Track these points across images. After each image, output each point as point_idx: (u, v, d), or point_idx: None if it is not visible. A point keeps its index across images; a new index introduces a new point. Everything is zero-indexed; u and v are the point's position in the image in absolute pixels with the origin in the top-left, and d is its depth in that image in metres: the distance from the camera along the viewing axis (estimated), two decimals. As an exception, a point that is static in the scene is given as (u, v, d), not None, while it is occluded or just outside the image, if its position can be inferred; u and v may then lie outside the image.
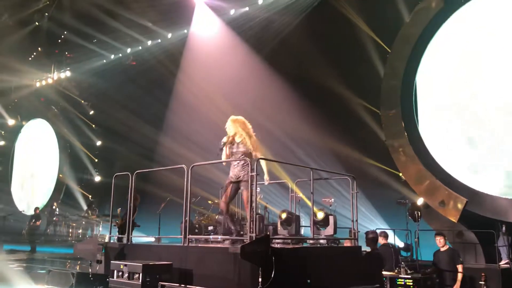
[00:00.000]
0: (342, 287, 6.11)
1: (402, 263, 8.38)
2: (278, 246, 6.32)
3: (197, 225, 8.76)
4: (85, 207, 20.74)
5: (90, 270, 6.99)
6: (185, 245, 6.21)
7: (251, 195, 5.68)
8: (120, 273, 5.76)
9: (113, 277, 5.86)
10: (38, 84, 24.07)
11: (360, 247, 7.00)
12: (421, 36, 11.96)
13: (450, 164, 11.32)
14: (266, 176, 6.43)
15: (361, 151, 12.96)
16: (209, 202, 9.98)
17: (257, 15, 15.49)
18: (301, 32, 14.09)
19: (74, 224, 19.88)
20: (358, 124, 13.04)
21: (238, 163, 6.37)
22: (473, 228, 10.62)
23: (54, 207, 20.56)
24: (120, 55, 20.27)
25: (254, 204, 5.71)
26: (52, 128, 24.52)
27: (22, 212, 22.48)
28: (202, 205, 9.95)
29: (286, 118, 13.93)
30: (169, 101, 17.40)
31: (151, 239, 9.10)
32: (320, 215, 6.94)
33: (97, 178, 22.12)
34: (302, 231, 7.91)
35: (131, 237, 7.23)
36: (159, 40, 18.62)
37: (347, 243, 7.79)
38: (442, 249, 8.64)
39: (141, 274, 5.43)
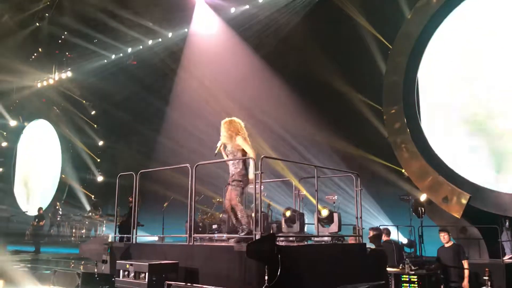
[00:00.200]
0: (348, 284, 6.13)
1: (407, 259, 8.38)
2: (283, 244, 6.34)
3: (201, 224, 8.78)
4: (88, 207, 20.78)
5: (96, 270, 7.01)
6: (190, 244, 6.23)
7: (256, 193, 5.69)
8: (126, 273, 5.77)
9: (119, 277, 5.87)
10: (39, 85, 24.11)
11: (365, 244, 7.01)
12: (422, 32, 11.96)
13: (453, 159, 11.32)
14: (251, 176, 6.31)
15: (363, 147, 12.97)
16: (213, 200, 10.00)
17: (257, 13, 15.47)
18: (302, 30, 14.09)
19: (77, 224, 19.92)
20: (360, 120, 13.04)
21: (233, 163, 6.39)
22: (476, 223, 10.62)
23: (57, 207, 20.60)
24: (121, 54, 20.28)
25: (258, 202, 5.71)
26: (54, 128, 24.56)
27: (25, 213, 22.51)
28: (205, 203, 9.96)
29: (288, 116, 13.93)
30: (170, 100, 17.42)
31: (154, 238, 9.12)
32: (325, 212, 6.95)
33: (100, 178, 22.15)
34: (306, 228, 7.90)
35: (136, 237, 7.24)
36: (160, 40, 18.62)
37: (351, 240, 7.80)
38: (446, 245, 8.63)
39: (147, 274, 5.44)
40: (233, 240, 6.15)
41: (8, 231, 18.17)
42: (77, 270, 8.29)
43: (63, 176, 23.35)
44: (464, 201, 10.67)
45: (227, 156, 6.55)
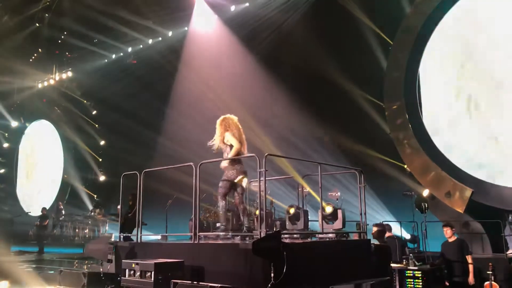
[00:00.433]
0: (353, 281, 6.15)
1: (411, 255, 8.39)
2: (287, 241, 6.35)
3: (204, 222, 8.80)
4: (90, 207, 20.82)
5: (101, 269, 7.03)
6: (195, 242, 6.24)
7: (260, 190, 5.71)
8: (132, 272, 5.78)
9: (125, 276, 5.88)
10: (40, 85, 24.12)
11: (369, 240, 7.02)
12: (423, 26, 11.95)
13: (455, 155, 11.34)
14: (222, 164, 6.48)
15: (365, 144, 12.96)
16: (214, 199, 9.99)
17: (257, 11, 15.46)
18: (302, 26, 14.07)
19: (80, 224, 19.95)
20: (362, 117, 13.04)
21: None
22: (479, 218, 10.64)
23: (60, 207, 20.64)
24: (121, 54, 20.28)
25: (262, 199, 5.73)
26: (56, 129, 24.58)
27: (28, 213, 22.56)
28: (208, 201, 9.96)
29: (290, 113, 13.93)
30: (172, 99, 17.42)
31: (158, 237, 9.13)
32: (329, 209, 6.96)
33: (102, 178, 22.17)
34: (309, 225, 7.91)
35: (141, 236, 7.26)
36: (160, 39, 18.62)
37: (355, 237, 7.81)
38: (450, 240, 8.64)
39: (153, 272, 5.45)
40: (237, 238, 6.18)
41: (11, 231, 18.20)
42: (83, 270, 8.31)
43: (65, 176, 23.38)
44: (466, 196, 10.69)
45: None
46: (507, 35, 10.73)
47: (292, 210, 7.18)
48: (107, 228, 18.56)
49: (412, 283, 7.85)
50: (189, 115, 16.05)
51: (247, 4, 15.85)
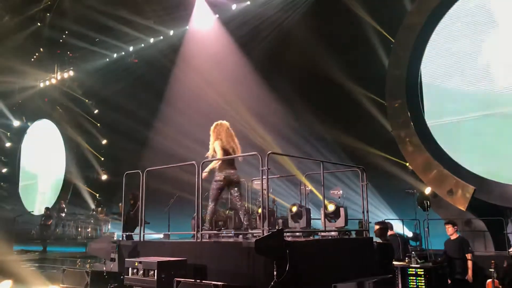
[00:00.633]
0: (355, 279, 6.15)
1: (413, 252, 8.40)
2: (290, 239, 6.37)
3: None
4: (93, 206, 20.86)
5: (104, 268, 7.04)
6: (198, 240, 6.26)
7: (262, 188, 5.74)
8: (135, 270, 5.79)
9: (128, 275, 5.90)
10: (42, 85, 24.16)
11: (372, 238, 7.03)
12: (425, 24, 11.92)
13: (458, 153, 11.33)
14: (206, 169, 6.57)
15: (367, 142, 12.95)
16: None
17: (259, 9, 15.46)
18: (303, 24, 14.06)
19: (82, 223, 20.00)
20: (364, 115, 13.03)
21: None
22: (482, 216, 10.63)
23: (62, 206, 20.69)
24: (123, 53, 20.30)
25: (265, 198, 5.74)
26: (58, 128, 24.62)
27: (31, 212, 22.61)
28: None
29: (291, 112, 13.93)
30: (173, 98, 17.42)
31: (160, 235, 9.15)
32: (331, 207, 6.97)
33: (104, 177, 22.21)
34: (311, 223, 7.92)
35: (143, 234, 7.28)
36: (161, 37, 18.63)
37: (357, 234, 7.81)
38: (452, 238, 8.65)
39: (156, 271, 5.47)
40: (240, 236, 6.19)
41: (14, 231, 18.26)
42: (86, 268, 8.33)
43: (67, 175, 23.43)
44: (469, 194, 10.67)
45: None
46: (510, 34, 10.71)
47: (294, 208, 7.20)
48: (109, 227, 18.61)
49: (415, 281, 7.84)
50: (191, 114, 16.06)
51: (248, 3, 15.84)
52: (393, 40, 12.54)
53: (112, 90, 19.89)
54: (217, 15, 16.85)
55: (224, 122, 6.90)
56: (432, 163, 11.43)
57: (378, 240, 7.94)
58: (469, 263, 8.21)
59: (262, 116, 14.34)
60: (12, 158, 26.97)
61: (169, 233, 8.38)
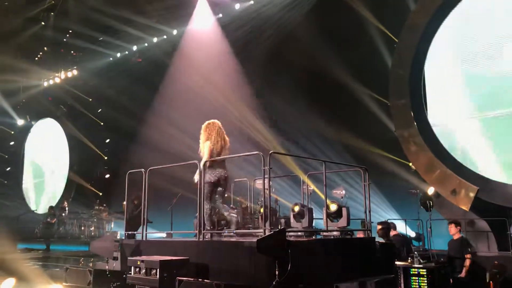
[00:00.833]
0: (357, 279, 6.15)
1: (415, 253, 8.39)
2: (292, 239, 6.36)
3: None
4: (96, 205, 20.90)
5: (107, 267, 7.07)
6: (200, 240, 6.27)
7: (264, 188, 5.74)
8: (138, 269, 5.81)
9: (130, 273, 5.92)
10: (45, 84, 24.24)
11: (374, 238, 7.02)
12: (429, 24, 11.88)
13: (461, 153, 11.30)
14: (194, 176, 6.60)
15: (370, 141, 12.93)
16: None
17: (262, 9, 15.45)
18: (306, 23, 14.03)
19: (85, 222, 20.06)
20: (367, 114, 12.99)
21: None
22: (485, 216, 10.60)
23: (65, 205, 20.76)
24: (126, 52, 20.34)
25: (267, 197, 5.74)
26: (61, 127, 24.70)
27: (35, 211, 22.71)
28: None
29: (294, 111, 13.92)
30: (176, 97, 17.44)
31: (163, 234, 9.16)
32: (333, 207, 6.96)
33: (107, 175, 22.26)
34: (313, 223, 7.92)
35: (146, 233, 7.29)
36: (165, 37, 18.66)
37: (359, 234, 7.81)
38: (454, 238, 8.65)
39: (158, 270, 5.48)
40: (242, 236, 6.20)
41: (18, 229, 18.35)
42: (89, 267, 8.36)
43: (71, 174, 23.50)
44: (472, 194, 10.65)
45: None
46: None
47: (296, 208, 7.18)
48: (112, 225, 18.65)
49: (417, 281, 7.85)
50: (194, 114, 16.07)
51: (251, 2, 15.84)
52: (396, 40, 12.51)
53: (116, 89, 19.94)
54: (220, 15, 16.86)
55: (216, 121, 6.94)
56: (435, 163, 11.40)
57: (381, 240, 7.95)
58: (467, 262, 8.22)
59: (264, 115, 14.34)
60: (16, 157, 27.07)
61: (172, 232, 8.40)
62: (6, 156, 27.24)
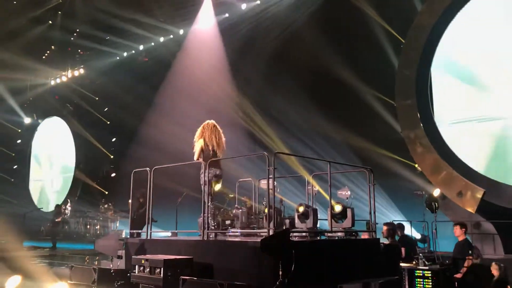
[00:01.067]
0: (362, 280, 6.13)
1: (420, 254, 8.35)
2: (296, 239, 6.36)
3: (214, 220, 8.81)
4: (101, 203, 20.98)
5: (111, 265, 7.08)
6: (205, 239, 6.28)
7: (268, 188, 5.74)
8: (142, 268, 5.82)
9: (134, 272, 5.93)
10: (52, 82, 24.39)
11: (379, 239, 7.00)
12: (436, 24, 11.83)
13: (467, 155, 11.23)
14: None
15: (376, 142, 12.90)
16: (225, 196, 10.01)
17: (267, 8, 15.46)
18: (313, 24, 14.02)
19: (91, 221, 20.14)
20: (373, 115, 12.97)
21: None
22: (491, 218, 10.53)
23: (71, 203, 20.86)
24: (133, 52, 20.42)
25: (271, 197, 5.74)
26: (68, 125, 24.83)
27: (41, 209, 22.82)
28: (217, 199, 9.97)
29: (300, 112, 13.91)
30: (181, 96, 17.47)
31: (168, 233, 9.18)
32: (338, 208, 6.94)
33: (113, 174, 22.34)
34: (318, 224, 7.91)
35: (150, 232, 7.32)
36: (171, 36, 18.71)
37: (364, 236, 7.79)
38: (459, 239, 8.59)
39: (162, 269, 5.49)
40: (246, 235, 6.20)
41: (24, 227, 18.46)
42: (93, 265, 8.39)
43: (77, 172, 23.62)
44: (478, 196, 10.58)
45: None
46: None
47: (301, 209, 7.16)
48: (117, 224, 18.70)
49: (422, 282, 7.80)
50: (200, 113, 16.08)
51: (258, 2, 15.84)
52: (403, 40, 12.46)
53: (122, 88, 20.01)
54: (227, 14, 16.88)
55: (211, 121, 7.05)
56: (441, 164, 11.34)
57: (386, 241, 7.92)
58: (466, 263, 8.16)
59: (269, 116, 14.33)
60: (23, 155, 27.24)
61: (176, 231, 8.42)
62: (13, 154, 27.42)
